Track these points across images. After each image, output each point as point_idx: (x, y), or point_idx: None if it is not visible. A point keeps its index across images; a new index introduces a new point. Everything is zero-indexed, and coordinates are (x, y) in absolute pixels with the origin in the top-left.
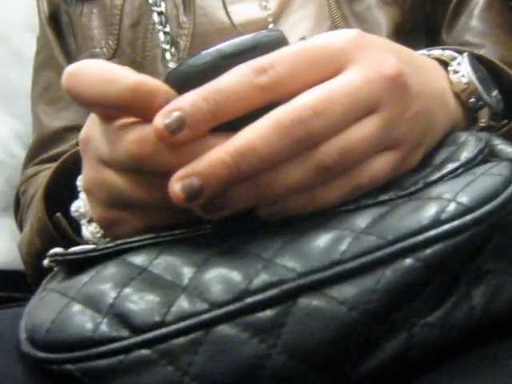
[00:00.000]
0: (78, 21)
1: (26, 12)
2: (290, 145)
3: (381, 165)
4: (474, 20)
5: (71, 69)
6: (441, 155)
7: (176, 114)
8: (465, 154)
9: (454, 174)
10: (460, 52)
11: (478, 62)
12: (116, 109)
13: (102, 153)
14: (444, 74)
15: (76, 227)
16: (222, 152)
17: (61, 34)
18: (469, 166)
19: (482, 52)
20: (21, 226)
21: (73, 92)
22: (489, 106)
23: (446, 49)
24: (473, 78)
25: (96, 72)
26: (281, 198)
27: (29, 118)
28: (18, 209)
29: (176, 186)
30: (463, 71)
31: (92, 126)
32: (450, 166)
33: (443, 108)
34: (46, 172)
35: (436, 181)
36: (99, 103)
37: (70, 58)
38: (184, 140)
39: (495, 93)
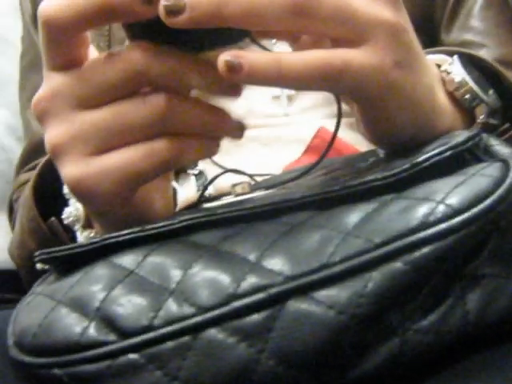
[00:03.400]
0: None
1: None
2: None
3: (353, 54)
4: (474, 19)
5: (46, 3)
6: (432, 145)
7: None
8: (455, 140)
9: (441, 156)
10: (451, 54)
11: (477, 61)
12: (107, 12)
13: (81, 94)
14: (437, 72)
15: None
16: None
17: None
18: (458, 149)
19: (483, 51)
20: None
21: (53, 21)
22: (485, 102)
23: (436, 52)
24: (466, 76)
25: None
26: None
27: (18, 107)
28: (12, 216)
29: None
30: (455, 71)
31: (53, 82)
32: (439, 149)
33: (431, 99)
34: None
35: (423, 161)
36: (85, 16)
37: None
38: None
39: (491, 92)
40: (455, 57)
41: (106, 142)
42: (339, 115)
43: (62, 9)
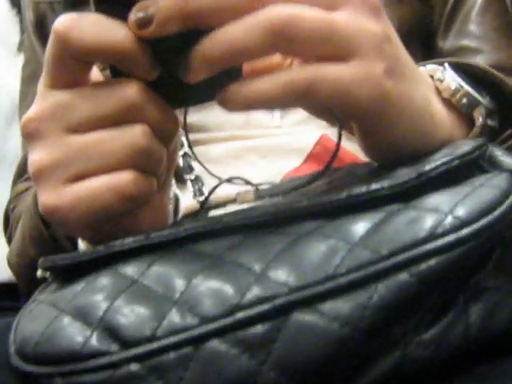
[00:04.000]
0: None
1: None
2: None
3: (330, 68)
4: (471, 24)
5: (65, 20)
6: (437, 155)
7: None
8: (462, 149)
9: (448, 166)
10: (441, 64)
11: (467, 68)
12: (122, 53)
13: (72, 119)
14: (431, 82)
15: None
16: None
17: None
18: (465, 159)
19: (479, 57)
20: (10, 244)
21: (69, 41)
22: (482, 104)
23: (426, 64)
24: (460, 81)
25: (94, 19)
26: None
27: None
28: (8, 226)
29: None
30: (449, 78)
31: (48, 102)
32: (446, 159)
33: (428, 110)
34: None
35: (430, 171)
36: (103, 47)
37: None
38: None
39: (484, 93)
40: (446, 64)
41: (84, 169)
42: (340, 127)
43: (81, 32)
